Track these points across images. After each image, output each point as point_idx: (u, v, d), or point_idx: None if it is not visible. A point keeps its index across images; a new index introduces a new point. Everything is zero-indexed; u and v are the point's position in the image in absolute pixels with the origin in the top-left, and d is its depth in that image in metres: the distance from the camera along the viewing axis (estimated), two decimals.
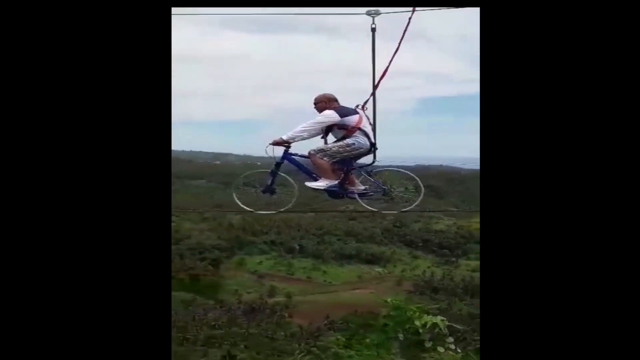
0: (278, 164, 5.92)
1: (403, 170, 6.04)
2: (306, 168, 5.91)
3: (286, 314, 42.31)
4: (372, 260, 55.09)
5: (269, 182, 5.96)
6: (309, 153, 5.75)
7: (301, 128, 5.68)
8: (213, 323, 37.43)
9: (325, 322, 39.68)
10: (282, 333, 38.05)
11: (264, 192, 6.02)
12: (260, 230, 58.93)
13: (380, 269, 53.13)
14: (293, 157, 5.86)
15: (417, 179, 6.04)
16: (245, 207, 6.20)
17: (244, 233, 57.54)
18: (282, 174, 5.90)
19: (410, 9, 5.28)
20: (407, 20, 5.46)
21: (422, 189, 5.91)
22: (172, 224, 55.47)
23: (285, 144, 5.69)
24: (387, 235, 59.34)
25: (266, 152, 5.74)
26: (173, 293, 42.87)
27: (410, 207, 6.01)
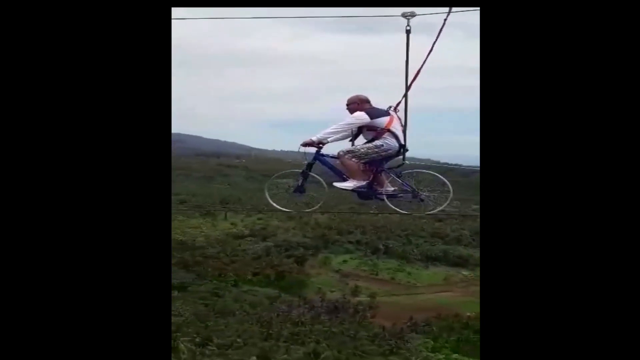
0: (309, 165, 5.98)
1: (432, 172, 5.89)
2: (337, 169, 5.90)
3: (369, 314, 42.13)
4: (459, 262, 53.53)
5: (300, 182, 6.01)
6: (338, 154, 5.75)
7: (331, 129, 5.69)
8: (296, 320, 38.02)
9: (409, 323, 39.13)
10: (365, 333, 38.07)
11: (294, 191, 6.10)
12: (346, 230, 59.10)
13: (467, 272, 51.52)
14: (324, 157, 5.86)
15: (446, 180, 5.87)
16: (276, 206, 6.29)
17: (330, 232, 58.00)
18: (313, 175, 5.92)
19: (446, 9, 5.14)
20: (442, 22, 5.32)
21: (451, 190, 5.74)
22: (259, 222, 57.19)
23: (316, 145, 5.70)
24: (475, 237, 57.50)
25: (303, 154, 5.79)
26: (259, 288, 44.21)
27: (438, 209, 5.86)
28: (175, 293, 32.32)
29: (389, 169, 5.96)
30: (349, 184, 5.90)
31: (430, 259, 54.86)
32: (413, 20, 5.30)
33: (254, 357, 32.99)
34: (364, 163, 5.86)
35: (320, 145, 6.04)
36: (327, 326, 40.62)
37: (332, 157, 6.07)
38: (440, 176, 5.98)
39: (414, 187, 5.99)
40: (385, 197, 5.97)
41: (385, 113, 5.81)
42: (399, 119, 5.91)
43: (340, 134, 5.94)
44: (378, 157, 5.84)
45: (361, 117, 5.79)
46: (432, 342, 35.60)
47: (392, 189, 5.94)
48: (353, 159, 5.81)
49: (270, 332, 37.27)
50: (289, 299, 44.21)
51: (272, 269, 46.72)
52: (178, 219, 38.09)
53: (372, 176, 5.88)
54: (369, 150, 5.80)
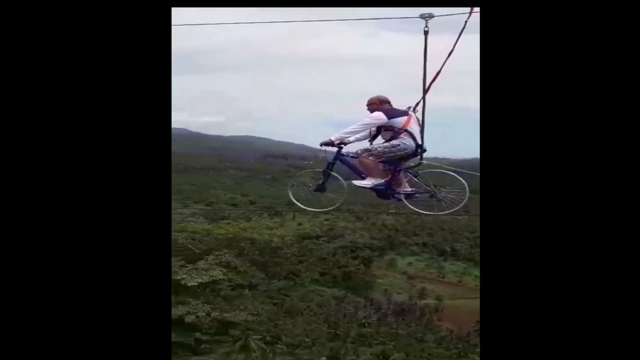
0: (330, 164, 6.10)
1: (449, 172, 5.84)
2: (357, 168, 6.03)
3: (436, 317, 41.71)
4: None
5: (321, 181, 6.21)
6: (357, 153, 5.93)
7: (350, 129, 5.82)
8: (363, 321, 38.31)
9: (476, 327, 38.53)
10: (432, 336, 37.76)
11: (315, 190, 6.22)
12: (413, 232, 58.65)
13: None
14: (344, 157, 6.07)
15: (463, 180, 5.83)
16: (299, 205, 6.49)
17: (396, 233, 57.73)
18: (334, 174, 6.12)
19: (467, 9, 5.13)
20: (463, 24, 5.29)
21: (467, 190, 5.69)
22: (326, 222, 57.65)
23: (335, 144, 5.93)
24: None
25: (324, 153, 6.04)
26: (326, 289, 44.67)
27: (455, 209, 5.85)
28: (246, 292, 33.41)
29: (406, 168, 6.07)
30: (367, 182, 5.95)
31: None
32: (437, 20, 5.36)
33: (324, 358, 33.67)
34: (382, 162, 6.04)
35: (341, 145, 6.21)
36: (393, 328, 40.57)
37: (351, 156, 6.23)
38: (456, 175, 5.85)
39: (431, 186, 6.02)
40: (403, 197, 6.12)
41: (403, 113, 5.78)
42: (417, 119, 5.95)
43: (359, 134, 6.11)
44: (395, 157, 5.80)
45: (379, 117, 5.81)
46: None
47: (410, 188, 6.01)
48: (370, 158, 5.89)
49: (338, 332, 37.72)
50: (355, 299, 44.44)
51: (339, 269, 47.06)
52: (247, 220, 39.23)
53: (390, 175, 6.05)
54: (386, 150, 5.80)
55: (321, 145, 5.99)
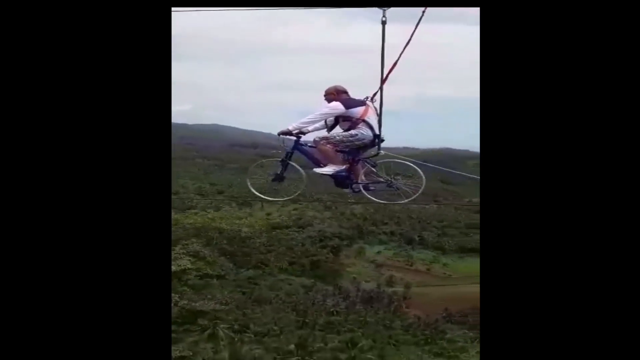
0: (289, 153, 6.14)
1: (405, 161, 5.92)
2: (315, 157, 6.06)
3: (404, 304, 42.31)
4: None
5: (279, 170, 6.22)
6: (314, 141, 5.94)
7: (307, 119, 5.81)
8: (332, 309, 38.58)
9: (444, 314, 39.21)
10: (400, 323, 38.30)
11: (273, 180, 6.22)
12: (381, 221, 59.23)
13: None
14: (303, 146, 6.09)
15: (419, 169, 5.90)
16: (257, 194, 6.51)
17: (365, 222, 58.23)
18: (292, 163, 6.13)
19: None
20: (419, 18, 5.34)
21: (424, 179, 5.79)
22: (295, 212, 57.76)
23: (292, 134, 5.95)
24: None
25: (282, 142, 6.06)
26: (294, 278, 44.81)
27: (412, 198, 5.93)
28: (214, 281, 33.23)
29: (364, 158, 6.13)
30: (328, 169, 5.94)
31: (466, 250, 54.55)
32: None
33: (292, 345, 33.79)
34: (340, 151, 6.10)
35: (300, 134, 6.24)
36: (362, 316, 40.98)
37: (310, 146, 6.25)
38: (413, 165, 5.93)
39: (388, 176, 6.12)
40: (361, 188, 6.21)
41: (361, 103, 5.78)
42: (375, 109, 6.01)
43: (317, 123, 6.16)
44: (353, 146, 5.82)
45: (336, 107, 5.80)
46: (467, 333, 35.65)
47: (366, 180, 6.14)
48: (329, 146, 6.00)
49: (306, 320, 37.92)
50: (324, 288, 44.73)
51: (307, 258, 47.21)
52: (216, 210, 38.95)
53: (348, 165, 6.12)
54: (344, 139, 5.81)
55: (279, 134, 5.95)
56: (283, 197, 6.50)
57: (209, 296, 28.19)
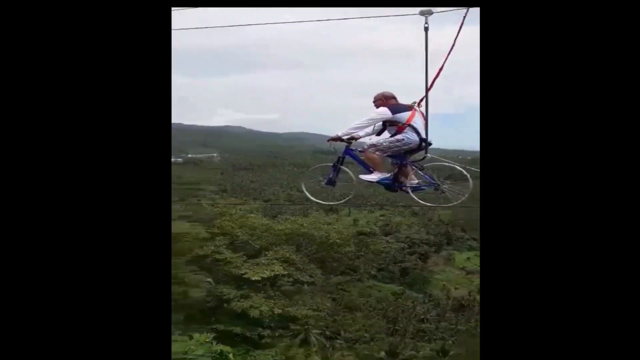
0: (340, 158, 6.31)
1: (453, 165, 5.93)
2: (364, 162, 6.19)
3: None
4: None
5: (331, 175, 6.37)
6: (363, 148, 6.08)
7: (355, 125, 6.00)
8: (422, 317, 38.06)
9: None
10: None
11: (326, 184, 6.41)
12: (470, 227, 57.72)
13: None
14: (353, 152, 6.23)
15: (466, 172, 5.86)
16: (311, 198, 6.67)
17: (453, 228, 57.02)
18: (344, 168, 6.27)
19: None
20: (462, 19, 5.30)
21: (471, 183, 5.74)
22: (382, 218, 57.54)
23: (342, 139, 6.11)
24: None
25: (333, 148, 6.25)
26: (383, 284, 44.64)
27: (459, 202, 5.88)
28: (305, 287, 33.82)
29: (412, 162, 6.18)
30: (373, 177, 6.12)
31: None
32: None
33: (383, 352, 33.72)
34: (389, 156, 6.20)
35: (351, 140, 6.45)
36: (453, 324, 40.25)
37: (360, 151, 6.41)
38: (460, 168, 5.90)
39: (436, 179, 6.19)
40: (409, 190, 6.23)
41: (408, 108, 5.88)
42: (422, 114, 6.11)
43: (364, 129, 6.30)
44: (400, 151, 5.89)
45: (383, 112, 5.95)
46: None
47: (416, 181, 6.02)
48: (376, 153, 6.07)
49: (397, 328, 37.73)
50: (413, 295, 44.34)
51: (396, 265, 46.90)
52: (304, 215, 39.68)
53: (396, 169, 6.20)
54: (391, 144, 5.89)
55: (328, 141, 6.23)
56: (337, 201, 6.76)
57: (300, 302, 28.71)
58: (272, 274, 26.96)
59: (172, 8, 3.74)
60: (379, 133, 6.13)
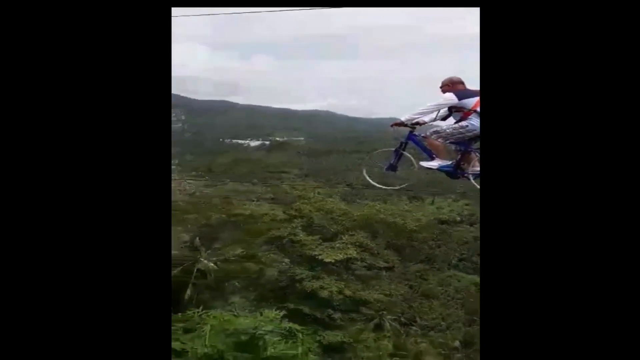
0: (403, 144, 6.14)
1: None
2: (427, 149, 5.98)
3: None
4: None
5: (393, 160, 6.19)
6: (425, 135, 5.91)
7: (420, 110, 5.86)
8: None
9: None
10: None
11: (387, 169, 6.25)
12: None
13: None
14: (416, 137, 6.03)
15: None
16: (372, 182, 6.53)
17: None
18: (406, 154, 6.09)
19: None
20: None
21: None
22: (467, 207, 55.80)
23: (406, 125, 5.91)
24: None
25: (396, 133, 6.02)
26: (464, 275, 43.49)
27: None
28: (383, 273, 33.93)
29: (475, 149, 5.82)
30: (434, 163, 5.90)
31: None
32: None
33: (458, 342, 33.19)
34: (452, 143, 5.97)
35: (417, 124, 6.23)
36: None
37: (423, 136, 6.20)
38: None
39: None
40: (470, 177, 5.91)
41: (475, 94, 5.68)
42: None
43: (430, 114, 6.10)
44: (464, 138, 5.79)
45: (450, 98, 5.74)
46: None
47: (478, 168, 5.76)
48: (439, 140, 5.86)
49: (475, 318, 36.87)
50: None
51: (479, 256, 45.60)
52: (383, 203, 39.59)
53: (459, 156, 5.90)
54: (454, 131, 5.78)
55: (391, 126, 6.16)
56: (394, 187, 6.71)
57: (374, 287, 28.97)
58: (345, 257, 27.40)
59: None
60: (444, 119, 6.07)
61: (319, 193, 31.81)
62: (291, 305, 24.98)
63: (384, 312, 29.89)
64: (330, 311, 26.64)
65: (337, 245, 28.18)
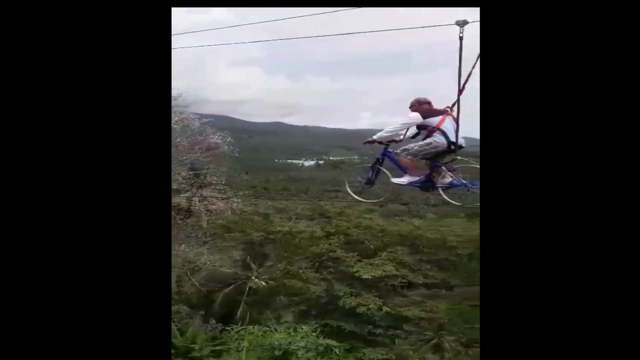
0: (378, 159, 6.59)
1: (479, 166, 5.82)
2: (400, 165, 6.31)
3: None
4: None
5: (370, 175, 6.54)
6: (395, 152, 6.19)
7: (389, 129, 6.35)
8: None
9: None
10: None
11: (365, 184, 6.72)
12: None
13: None
14: (390, 154, 6.38)
15: None
16: (353, 195, 6.88)
17: None
18: (382, 169, 6.55)
19: None
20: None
21: None
22: None
23: (376, 143, 6.31)
24: None
25: (372, 150, 6.57)
26: None
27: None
28: (442, 292, 33.12)
29: (442, 164, 6.29)
30: (403, 180, 6.44)
31: None
32: None
33: None
34: (421, 159, 6.33)
35: (391, 142, 6.71)
36: None
37: (395, 153, 6.59)
38: None
39: (465, 180, 6.20)
40: (440, 190, 6.35)
41: (439, 113, 6.19)
42: (454, 118, 6.15)
43: (396, 133, 6.48)
44: (430, 154, 6.22)
45: (414, 117, 6.31)
46: None
47: (449, 180, 6.27)
48: (409, 157, 6.30)
49: None
50: None
51: None
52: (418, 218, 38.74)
53: (429, 171, 6.30)
54: (421, 148, 6.24)
55: (364, 143, 6.64)
56: (372, 200, 7.12)
57: (413, 303, 28.42)
58: (384, 274, 27.07)
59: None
60: (414, 137, 6.52)
61: (357, 210, 31.71)
62: (332, 322, 24.90)
63: (443, 332, 29.08)
64: (370, 327, 26.27)
65: (376, 261, 27.88)
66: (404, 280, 28.75)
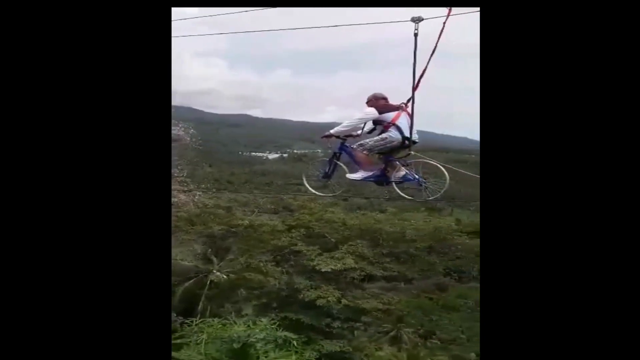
0: (335, 154, 6.71)
1: (432, 161, 6.23)
2: (356, 160, 6.56)
3: None
4: None
5: (327, 169, 6.68)
6: (351, 147, 6.24)
7: (345, 124, 6.46)
8: None
9: None
10: None
11: (322, 177, 6.84)
12: None
13: None
14: (347, 149, 6.59)
15: (443, 169, 6.07)
16: (310, 189, 7.01)
17: None
18: (339, 163, 6.69)
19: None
20: (442, 25, 5.42)
21: (448, 178, 6.04)
22: None
23: (333, 137, 6.39)
24: None
25: (329, 145, 6.73)
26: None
27: (436, 197, 5.94)
28: (401, 284, 33.36)
29: (397, 159, 6.38)
30: (357, 175, 6.57)
31: None
32: None
33: (473, 354, 32.06)
34: (376, 154, 6.43)
35: (348, 136, 6.79)
36: None
37: (352, 147, 6.69)
38: (439, 166, 6.25)
39: (418, 175, 6.31)
40: (394, 184, 6.44)
41: (395, 109, 6.28)
42: (409, 114, 6.22)
43: (353, 127, 6.57)
44: (385, 149, 6.32)
45: (370, 112, 6.38)
46: None
47: (402, 174, 6.33)
48: (364, 152, 6.40)
49: None
50: None
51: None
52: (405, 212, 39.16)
53: (384, 165, 6.40)
54: (376, 143, 6.33)
55: (321, 138, 6.74)
56: (329, 194, 7.28)
57: (369, 295, 28.54)
58: (343, 267, 27.15)
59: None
60: (370, 132, 6.63)
61: (320, 203, 31.80)
62: (291, 315, 24.96)
63: (402, 324, 29.30)
64: (329, 320, 26.36)
65: (336, 255, 27.95)
66: (363, 273, 28.86)
